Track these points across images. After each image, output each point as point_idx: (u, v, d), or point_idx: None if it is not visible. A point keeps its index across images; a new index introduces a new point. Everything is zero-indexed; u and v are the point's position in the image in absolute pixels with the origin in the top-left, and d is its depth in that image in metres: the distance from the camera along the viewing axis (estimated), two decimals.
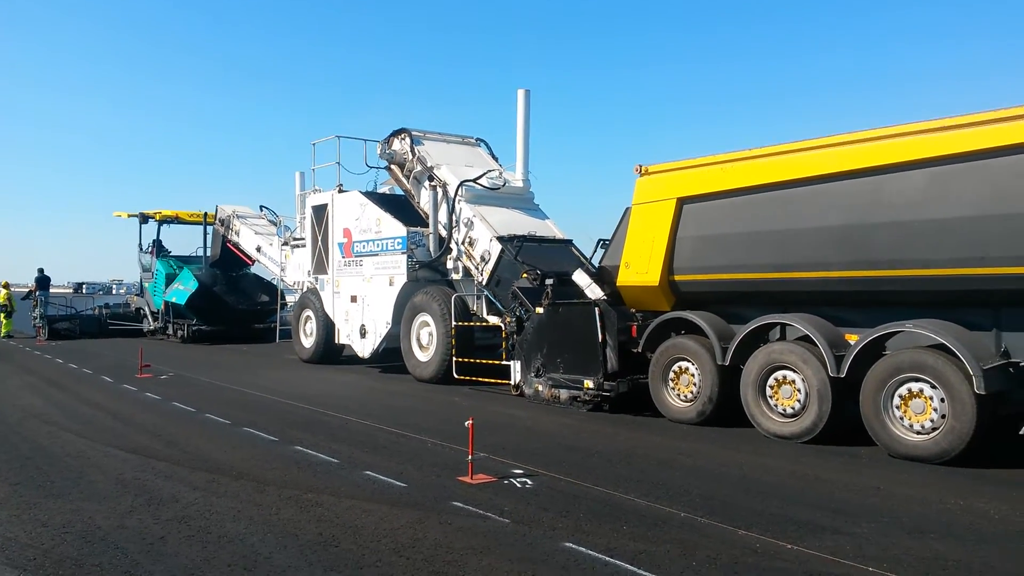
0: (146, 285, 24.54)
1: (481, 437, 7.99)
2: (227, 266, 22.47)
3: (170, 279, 22.95)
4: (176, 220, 24.75)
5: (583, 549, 4.65)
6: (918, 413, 7.17)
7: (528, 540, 4.85)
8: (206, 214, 23.08)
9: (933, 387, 7.04)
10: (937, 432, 6.99)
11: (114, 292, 32.49)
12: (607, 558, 4.50)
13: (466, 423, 6.45)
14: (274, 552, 4.66)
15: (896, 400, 7.30)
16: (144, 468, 6.77)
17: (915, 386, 7.18)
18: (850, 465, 7.01)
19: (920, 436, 7.13)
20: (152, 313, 24.06)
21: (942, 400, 6.96)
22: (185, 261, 23.56)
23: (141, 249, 24.99)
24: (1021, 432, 6.85)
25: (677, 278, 9.41)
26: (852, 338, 7.85)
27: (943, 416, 6.95)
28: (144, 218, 24.63)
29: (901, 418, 7.26)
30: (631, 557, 4.50)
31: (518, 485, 6.18)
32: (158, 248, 24.48)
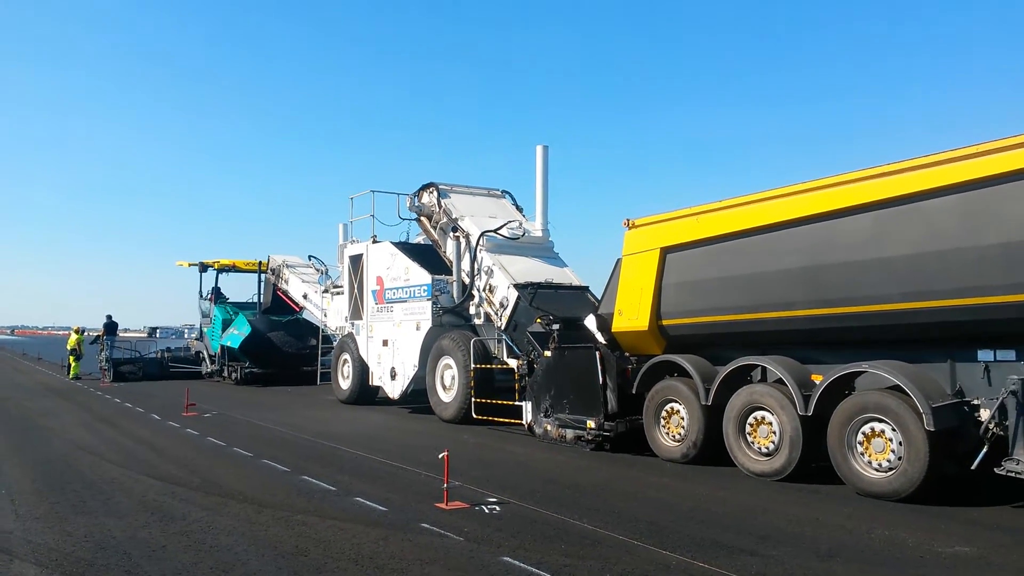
0: (205, 330, 26.16)
1: (473, 470, 8.74)
2: (279, 312, 23.85)
3: (226, 324, 24.43)
4: (233, 269, 26.41)
5: (516, 562, 5.31)
6: (878, 452, 7.55)
7: (472, 555, 5.53)
8: (260, 263, 24.63)
9: (894, 429, 7.43)
10: (892, 472, 7.37)
11: (185, 336, 34.39)
12: (534, 569, 5.16)
13: (440, 456, 7.16)
14: (252, 559, 5.46)
15: (860, 437, 7.70)
16: (165, 492, 7.69)
17: (878, 426, 7.58)
18: (804, 499, 7.45)
19: (878, 474, 7.51)
20: (210, 356, 25.56)
21: (899, 443, 7.34)
22: (241, 307, 25.07)
23: (201, 296, 26.71)
24: (973, 467, 7.11)
25: (664, 322, 10.00)
26: (818, 378, 8.30)
27: (899, 458, 7.33)
28: (204, 267, 26.35)
29: (862, 454, 7.66)
30: (555, 569, 5.14)
31: (486, 511, 6.85)
32: (216, 295, 26.13)
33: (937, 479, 7.22)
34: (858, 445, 7.70)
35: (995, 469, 6.89)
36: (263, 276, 24.24)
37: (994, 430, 6.99)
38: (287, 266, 22.93)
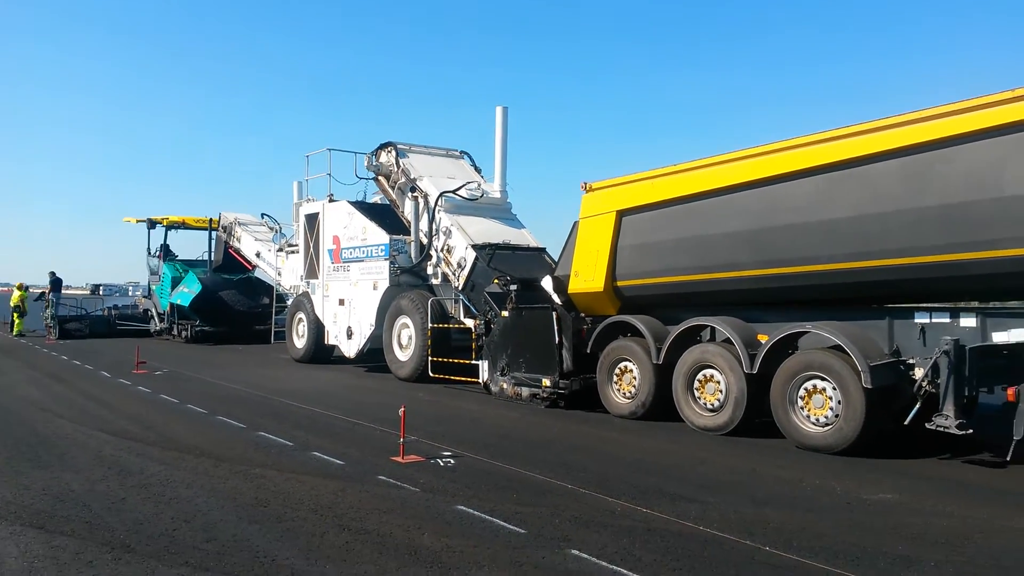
0: (153, 288, 25.68)
1: (428, 426, 8.92)
2: (230, 270, 23.51)
3: (176, 282, 24.02)
4: (182, 226, 25.90)
5: (470, 510, 5.52)
6: (818, 407, 7.94)
7: (428, 504, 5.73)
8: (211, 220, 24.20)
9: (835, 388, 7.79)
10: (828, 427, 7.77)
11: (131, 294, 33.68)
12: (487, 516, 5.38)
13: (398, 412, 7.32)
14: (213, 510, 5.56)
15: (801, 392, 8.07)
16: (121, 447, 7.69)
17: (819, 383, 7.94)
18: (744, 452, 7.83)
19: (815, 428, 7.91)
20: (159, 314, 25.14)
21: (838, 401, 7.72)
22: (190, 265, 24.64)
23: (149, 253, 26.14)
24: (906, 422, 7.52)
25: (619, 283, 10.23)
26: (763, 338, 8.64)
27: (837, 415, 7.71)
28: (152, 224, 25.76)
29: (802, 409, 8.04)
30: (507, 516, 5.37)
31: (441, 464, 7.04)
32: (165, 252, 25.60)
33: (872, 434, 7.63)
34: (799, 400, 8.07)
35: (926, 424, 7.26)
36: (214, 233, 23.82)
37: (927, 388, 7.32)
38: (239, 224, 22.54)
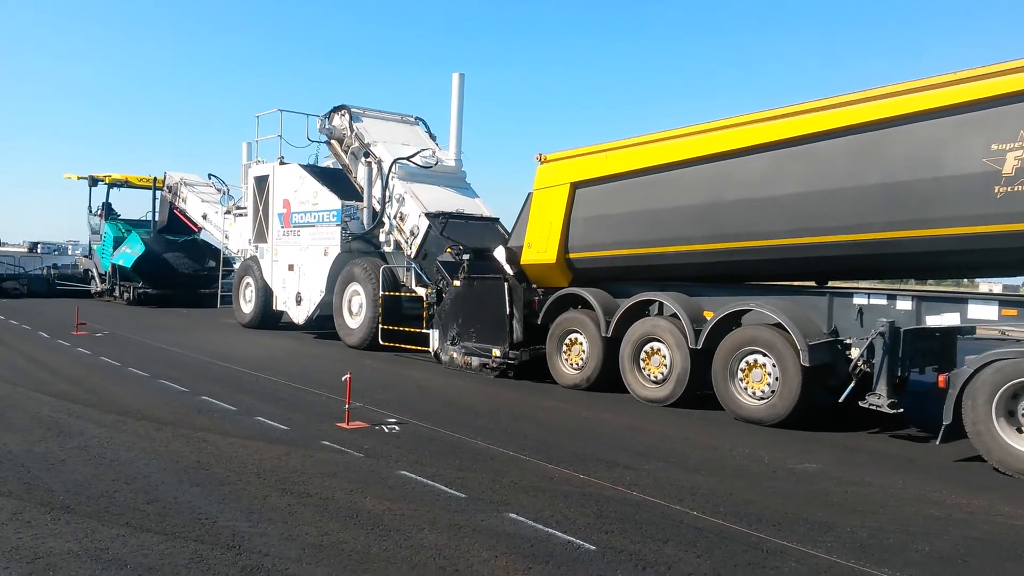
0: (94, 247, 24.98)
1: (375, 393, 8.96)
2: (175, 231, 22.97)
3: (118, 242, 23.41)
4: (126, 184, 25.18)
5: (412, 475, 5.62)
6: (756, 381, 8.20)
7: (371, 469, 5.80)
8: (155, 179, 23.54)
9: (774, 365, 8.05)
10: (764, 401, 8.06)
11: (70, 253, 32.74)
12: (428, 481, 5.48)
13: (343, 378, 7.34)
14: (154, 472, 5.53)
15: (742, 365, 8.32)
16: (60, 409, 7.56)
17: (760, 359, 8.19)
18: (682, 422, 8.09)
19: (752, 400, 8.19)
20: (100, 275, 24.51)
21: (776, 378, 7.98)
22: (134, 225, 24.01)
23: (91, 212, 25.38)
24: (840, 400, 7.83)
25: (571, 256, 10.34)
26: (709, 314, 8.87)
27: (773, 391, 7.98)
28: (94, 181, 25.00)
29: (741, 381, 8.30)
30: (448, 481, 5.48)
31: (386, 430, 7.12)
32: (107, 211, 24.88)
33: (806, 409, 7.91)
34: (739, 372, 8.32)
35: (859, 402, 7.54)
36: (158, 193, 23.20)
37: (862, 367, 7.57)
38: (185, 184, 21.98)
